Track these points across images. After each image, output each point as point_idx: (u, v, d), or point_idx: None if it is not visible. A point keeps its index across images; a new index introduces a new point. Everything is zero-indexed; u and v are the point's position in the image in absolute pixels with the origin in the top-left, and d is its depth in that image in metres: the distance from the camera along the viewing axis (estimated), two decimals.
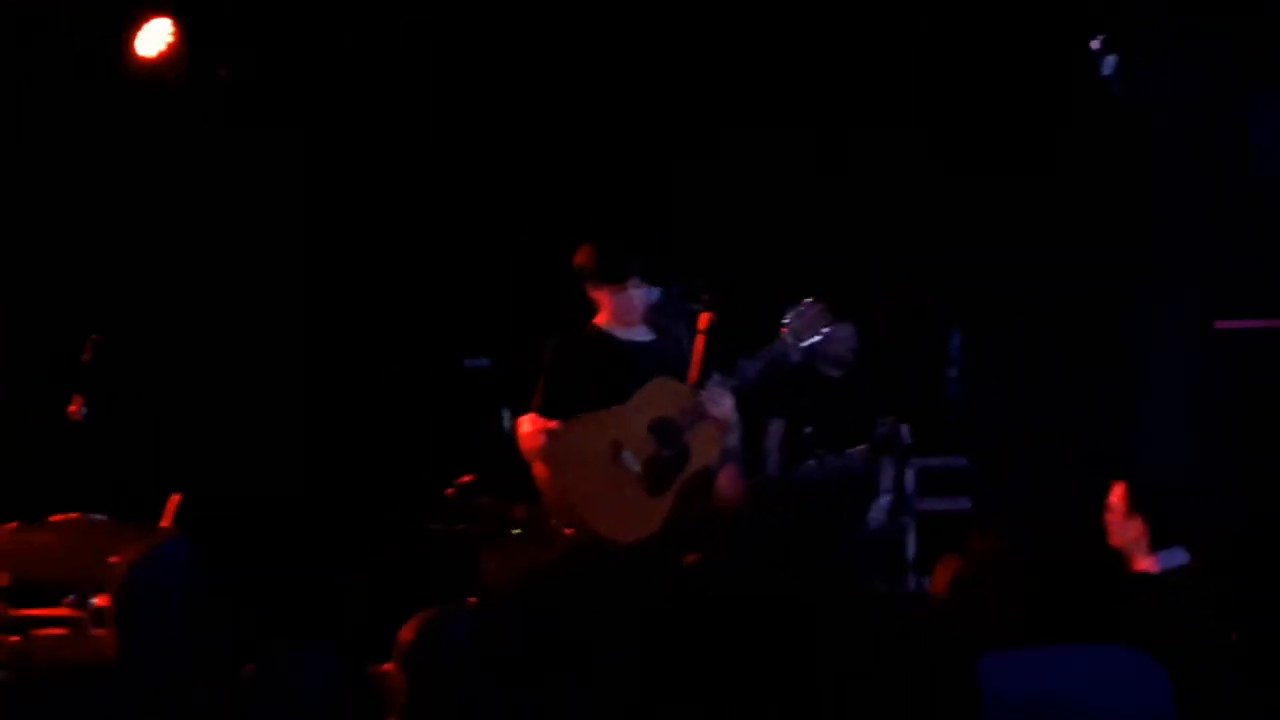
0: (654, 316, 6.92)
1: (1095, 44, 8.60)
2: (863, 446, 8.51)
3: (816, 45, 9.34)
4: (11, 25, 8.11)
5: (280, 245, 9.19)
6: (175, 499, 6.62)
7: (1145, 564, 6.05)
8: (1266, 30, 9.00)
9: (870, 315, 8.65)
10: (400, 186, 9.39)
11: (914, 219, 9.41)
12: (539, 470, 6.68)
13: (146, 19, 8.48)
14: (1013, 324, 9.56)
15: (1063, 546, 6.41)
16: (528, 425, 6.69)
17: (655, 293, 6.91)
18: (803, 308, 6.83)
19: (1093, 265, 9.23)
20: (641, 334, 6.92)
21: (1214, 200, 9.19)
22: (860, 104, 9.39)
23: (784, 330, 6.81)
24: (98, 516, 6.43)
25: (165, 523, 6.58)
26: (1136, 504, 6.08)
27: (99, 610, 6.25)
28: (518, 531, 7.24)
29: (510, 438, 6.83)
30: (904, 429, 8.73)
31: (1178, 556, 6.03)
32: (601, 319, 6.92)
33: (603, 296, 6.89)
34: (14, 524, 6.34)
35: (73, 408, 6.71)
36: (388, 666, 4.18)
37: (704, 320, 6.86)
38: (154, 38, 8.53)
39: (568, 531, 6.65)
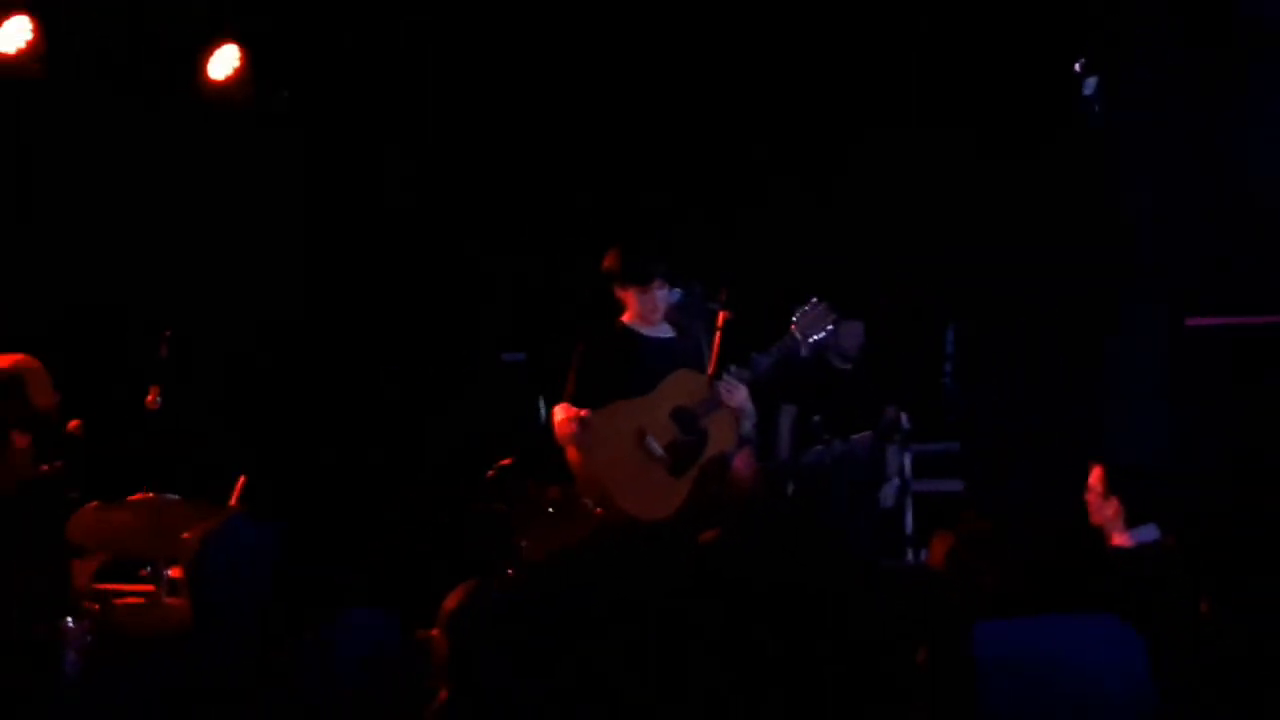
0: (675, 315, 6.92)
1: (1077, 66, 8.54)
2: (867, 433, 8.51)
3: (825, 58, 9.32)
4: (97, 50, 8.12)
5: (341, 251, 9.21)
6: (242, 480, 6.62)
7: (1121, 539, 6.04)
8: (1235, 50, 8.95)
9: (874, 312, 8.64)
10: (455, 204, 9.40)
11: (912, 223, 9.39)
12: (571, 454, 6.68)
13: (217, 46, 8.49)
14: (1003, 320, 9.54)
15: (1047, 523, 6.39)
16: (560, 413, 6.69)
17: (676, 293, 6.91)
18: (809, 307, 6.83)
19: (1073, 266, 9.20)
20: (664, 331, 6.91)
21: (1182, 207, 9.15)
22: (864, 112, 9.37)
23: (793, 327, 6.81)
24: (171, 496, 6.43)
25: (233, 501, 6.58)
26: (1113, 485, 6.07)
27: (173, 581, 6.26)
28: (552, 510, 7.23)
29: (545, 425, 6.83)
30: (904, 417, 8.72)
31: (1150, 532, 6.02)
32: (627, 317, 6.91)
33: (628, 296, 6.88)
34: (95, 503, 6.33)
35: (149, 398, 6.71)
36: (433, 632, 4.17)
37: (721, 318, 6.86)
38: (223, 63, 8.53)
39: (597, 510, 6.66)
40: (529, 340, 8.53)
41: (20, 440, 6.35)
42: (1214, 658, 5.22)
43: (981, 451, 9.26)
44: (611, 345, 6.83)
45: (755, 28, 9.33)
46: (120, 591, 6.54)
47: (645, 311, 6.87)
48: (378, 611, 4.39)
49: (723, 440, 6.72)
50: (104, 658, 5.36)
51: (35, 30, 7.71)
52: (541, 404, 7.19)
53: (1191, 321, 8.86)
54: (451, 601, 4.16)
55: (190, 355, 6.98)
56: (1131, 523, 6.02)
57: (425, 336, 9.26)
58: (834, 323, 6.91)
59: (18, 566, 6.19)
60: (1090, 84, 8.50)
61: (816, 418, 8.49)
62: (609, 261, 6.90)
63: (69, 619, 5.78)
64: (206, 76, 8.49)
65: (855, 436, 8.47)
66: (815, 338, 6.84)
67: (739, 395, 6.70)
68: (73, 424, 6.44)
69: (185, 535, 5.70)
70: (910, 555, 8.77)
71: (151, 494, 6.39)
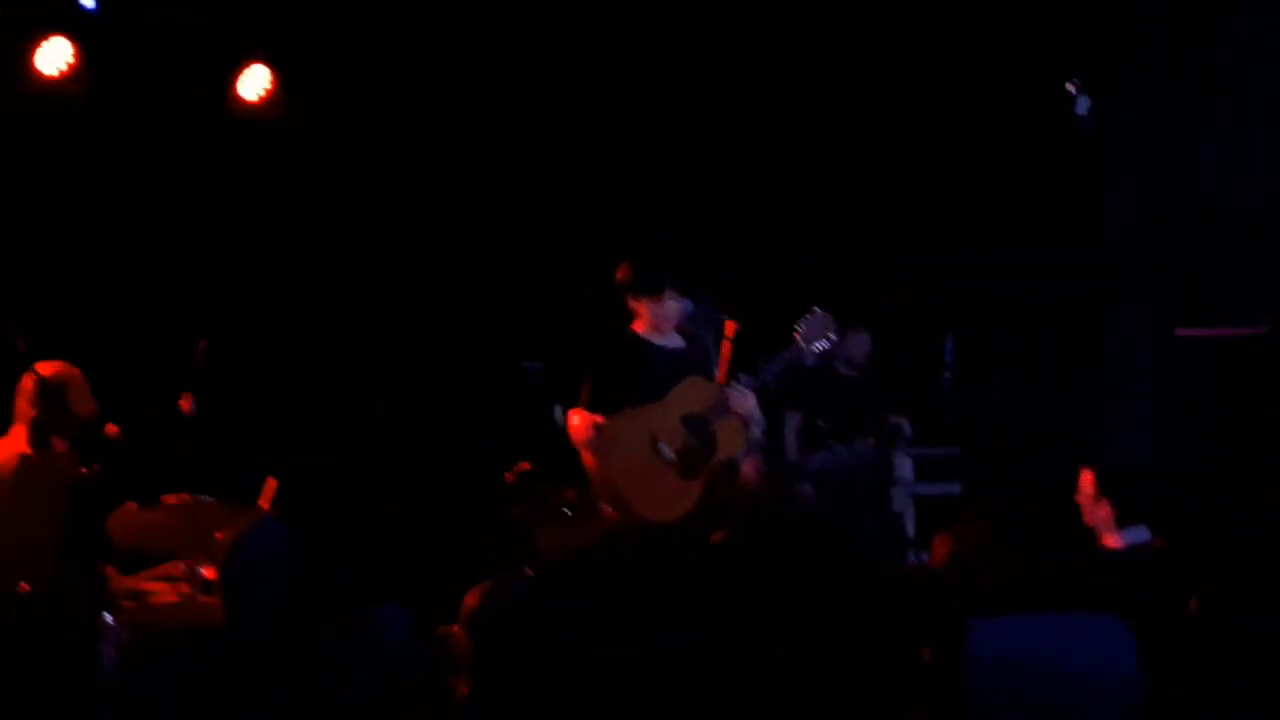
0: (685, 324, 6.94)
1: (1070, 86, 8.52)
2: (871, 438, 8.52)
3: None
4: (134, 71, 8.15)
5: (368, 261, 9.23)
6: (272, 483, 6.64)
7: (1112, 540, 6.04)
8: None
9: (878, 321, 8.66)
10: (475, 215, 9.43)
11: (913, 231, 9.41)
12: (587, 458, 6.70)
13: (247, 66, 8.51)
14: (999, 330, 9.55)
15: (1042, 525, 6.41)
16: (576, 419, 6.71)
17: (687, 303, 6.93)
18: (812, 317, 6.84)
19: (1067, 271, 9.21)
20: (674, 340, 6.93)
21: (1170, 224, 9.14)
22: (865, 121, 9.39)
23: (796, 337, 6.82)
24: (204, 498, 6.46)
25: (263, 503, 6.60)
26: (1103, 488, 6.07)
27: (206, 580, 6.28)
28: (568, 512, 7.24)
29: (561, 430, 6.85)
30: (906, 423, 8.73)
31: (1141, 534, 6.02)
32: (639, 327, 6.92)
33: (641, 307, 6.89)
34: (132, 505, 6.36)
35: (184, 404, 6.73)
36: (453, 629, 4.20)
37: (730, 328, 6.89)
38: (254, 83, 8.55)
39: (611, 512, 6.67)
40: (546, 350, 8.54)
41: (61, 445, 6.40)
42: (1203, 655, 5.24)
43: (979, 455, 9.27)
44: (624, 354, 6.85)
45: (759, 39, 9.34)
46: (155, 589, 6.58)
47: (657, 321, 6.88)
48: (400, 609, 4.41)
49: (732, 446, 6.74)
50: (140, 653, 5.39)
51: (75, 53, 7.73)
52: (558, 411, 7.21)
53: (1181, 331, 8.85)
54: (471, 600, 4.19)
55: (223, 363, 7.00)
56: (1122, 524, 6.03)
57: (448, 346, 9.28)
58: (837, 332, 6.92)
59: (57, 565, 6.22)
60: (1083, 103, 8.49)
61: (822, 423, 8.49)
62: (622, 273, 6.92)
63: (107, 615, 5.82)
64: (238, 96, 8.51)
65: (860, 442, 8.48)
66: (818, 346, 6.84)
67: (747, 402, 6.72)
68: (110, 429, 6.48)
69: (218, 535, 5.75)
70: (912, 557, 8.77)
71: (186, 496, 6.42)
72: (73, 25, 7.73)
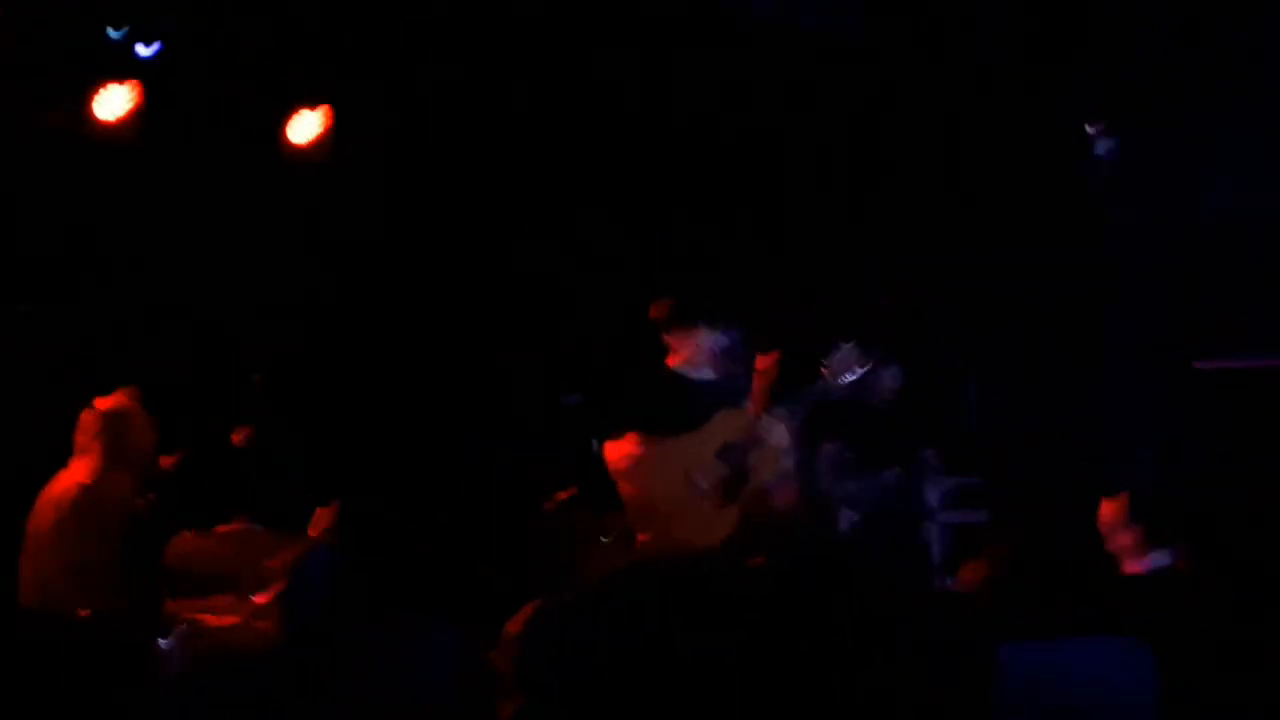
0: (719, 358, 6.97)
1: (1092, 129, 8.49)
2: (899, 468, 8.52)
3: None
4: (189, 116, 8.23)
5: (414, 295, 9.28)
6: (323, 512, 6.69)
7: (1135, 565, 6.04)
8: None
9: (906, 355, 8.67)
10: (523, 262, 9.47)
11: (937, 270, 9.42)
12: (624, 487, 6.74)
13: (300, 110, 8.56)
14: (1017, 368, 9.54)
15: (1065, 552, 6.41)
16: (614, 449, 6.75)
17: (721, 338, 6.97)
18: (840, 351, 6.87)
19: (1085, 296, 9.19)
20: (708, 373, 6.96)
21: (1179, 254, 9.06)
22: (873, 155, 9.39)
23: (824, 371, 6.86)
24: (257, 527, 6.50)
25: (314, 532, 6.65)
26: (1131, 516, 6.07)
27: (259, 607, 6.32)
28: (607, 539, 7.28)
29: (599, 460, 6.89)
30: (935, 454, 8.73)
31: (1165, 558, 6.01)
32: (674, 360, 6.96)
33: (676, 341, 6.94)
34: (188, 533, 6.41)
35: (239, 435, 6.79)
36: (498, 652, 4.22)
37: (762, 362, 6.92)
38: (305, 127, 8.60)
39: (643, 537, 6.70)
40: (585, 383, 8.58)
41: (120, 476, 6.45)
42: (1226, 679, 5.23)
43: (1003, 484, 9.26)
44: (660, 387, 6.89)
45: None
46: (209, 616, 6.62)
47: (692, 355, 6.92)
48: (447, 634, 4.44)
49: (765, 475, 6.77)
50: (195, 677, 5.42)
51: (133, 98, 7.80)
52: (596, 442, 7.25)
53: (1199, 364, 8.81)
54: (515, 624, 4.21)
55: (276, 396, 7.06)
56: (1145, 549, 6.02)
57: (492, 378, 9.33)
58: (866, 365, 6.95)
59: (116, 592, 6.28)
60: (1104, 145, 8.44)
61: (852, 453, 8.50)
62: (657, 309, 6.96)
63: (163, 640, 5.87)
64: (288, 139, 8.57)
65: (889, 471, 8.48)
66: (847, 379, 6.87)
67: (780, 433, 6.75)
68: (168, 460, 6.54)
69: (270, 563, 5.79)
70: (940, 583, 8.76)
71: (239, 525, 6.47)
72: (130, 72, 7.79)
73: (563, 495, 7.53)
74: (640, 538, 6.77)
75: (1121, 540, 6.06)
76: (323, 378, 8.91)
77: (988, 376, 9.42)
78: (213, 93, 8.14)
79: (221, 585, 6.64)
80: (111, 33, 7.49)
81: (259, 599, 6.30)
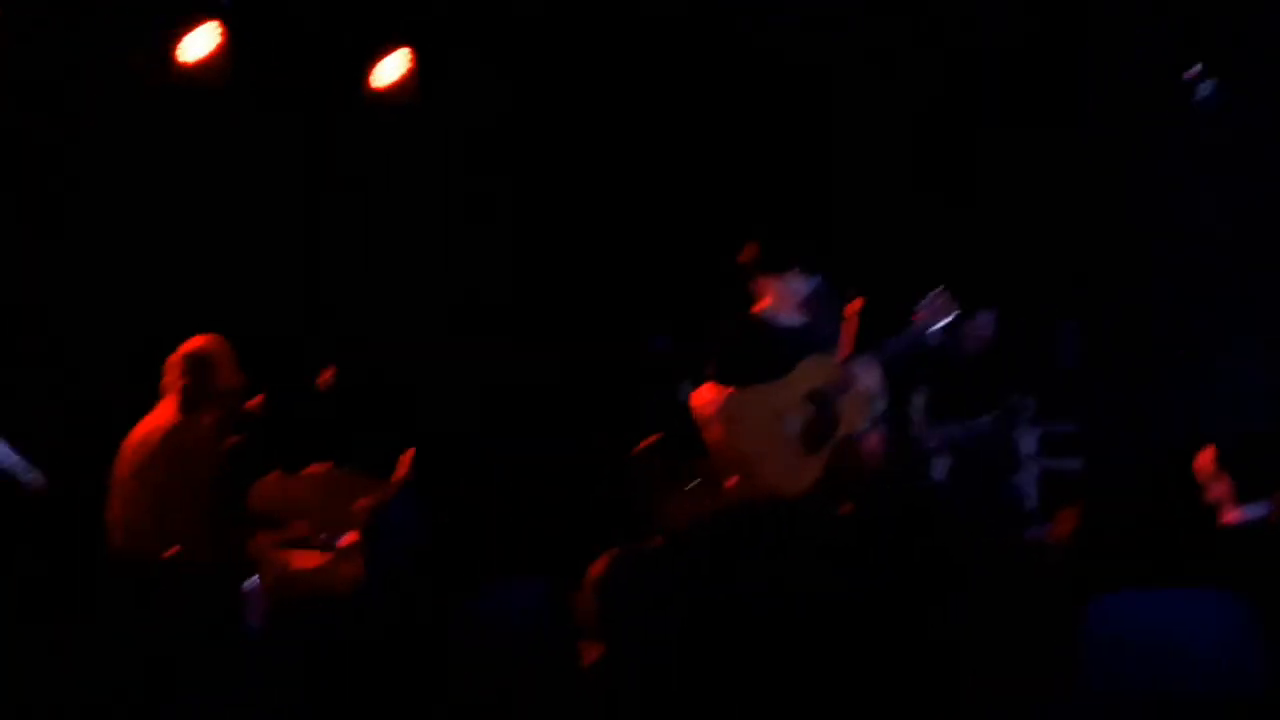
0: (809, 303, 6.92)
1: (1192, 72, 8.34)
2: (993, 415, 8.43)
3: None
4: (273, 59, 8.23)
5: (498, 240, 9.28)
6: (409, 454, 6.70)
7: (1233, 516, 5.94)
8: None
9: (1001, 302, 8.57)
10: (607, 196, 9.45)
11: (1034, 214, 9.30)
12: (712, 433, 6.70)
13: (387, 53, 8.54)
14: (1115, 313, 9.41)
15: (1163, 499, 6.31)
16: (703, 395, 6.72)
17: (811, 282, 6.91)
18: (933, 296, 6.81)
19: (1185, 251, 9.05)
20: (798, 318, 6.91)
21: None
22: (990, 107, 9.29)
23: (916, 316, 6.79)
24: (344, 469, 6.53)
25: (400, 474, 6.66)
26: (1221, 464, 5.97)
27: (345, 548, 6.36)
28: (693, 485, 7.26)
29: (687, 406, 6.86)
30: (1029, 400, 8.64)
31: (1260, 509, 5.91)
32: (763, 305, 6.91)
33: (766, 286, 6.88)
34: (275, 475, 6.45)
35: (324, 378, 6.80)
36: (581, 596, 4.21)
37: (853, 307, 6.86)
38: (392, 68, 8.58)
39: (734, 485, 6.68)
40: (674, 327, 8.54)
41: (207, 416, 6.49)
42: None
43: (1099, 431, 9.15)
44: (749, 332, 6.85)
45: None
46: (296, 557, 6.67)
47: (781, 300, 6.87)
48: (531, 578, 4.43)
49: (854, 421, 6.72)
50: (281, 618, 5.46)
51: (219, 38, 7.80)
52: (685, 386, 7.22)
53: None
54: (598, 568, 4.20)
55: (363, 339, 7.07)
56: (1241, 499, 5.92)
57: (579, 323, 9.31)
58: (959, 311, 6.89)
59: (203, 532, 6.32)
60: (1206, 87, 8.31)
61: (945, 400, 8.43)
62: (747, 253, 6.91)
63: (250, 581, 5.91)
64: (373, 83, 8.55)
65: (983, 418, 8.40)
66: (938, 325, 6.81)
67: (869, 378, 6.70)
68: (254, 401, 6.56)
69: (356, 505, 5.81)
70: (1034, 532, 8.69)
71: (326, 466, 6.50)
72: (214, 14, 7.79)
73: (649, 440, 7.50)
74: (726, 484, 6.74)
75: (1218, 489, 5.97)
76: (411, 318, 8.93)
77: (1085, 321, 9.29)
78: (298, 34, 8.15)
79: (307, 528, 6.69)
80: None
81: (344, 541, 6.34)
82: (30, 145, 7.52)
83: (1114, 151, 9.09)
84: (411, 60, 8.50)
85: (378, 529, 4.58)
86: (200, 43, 7.72)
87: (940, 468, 8.39)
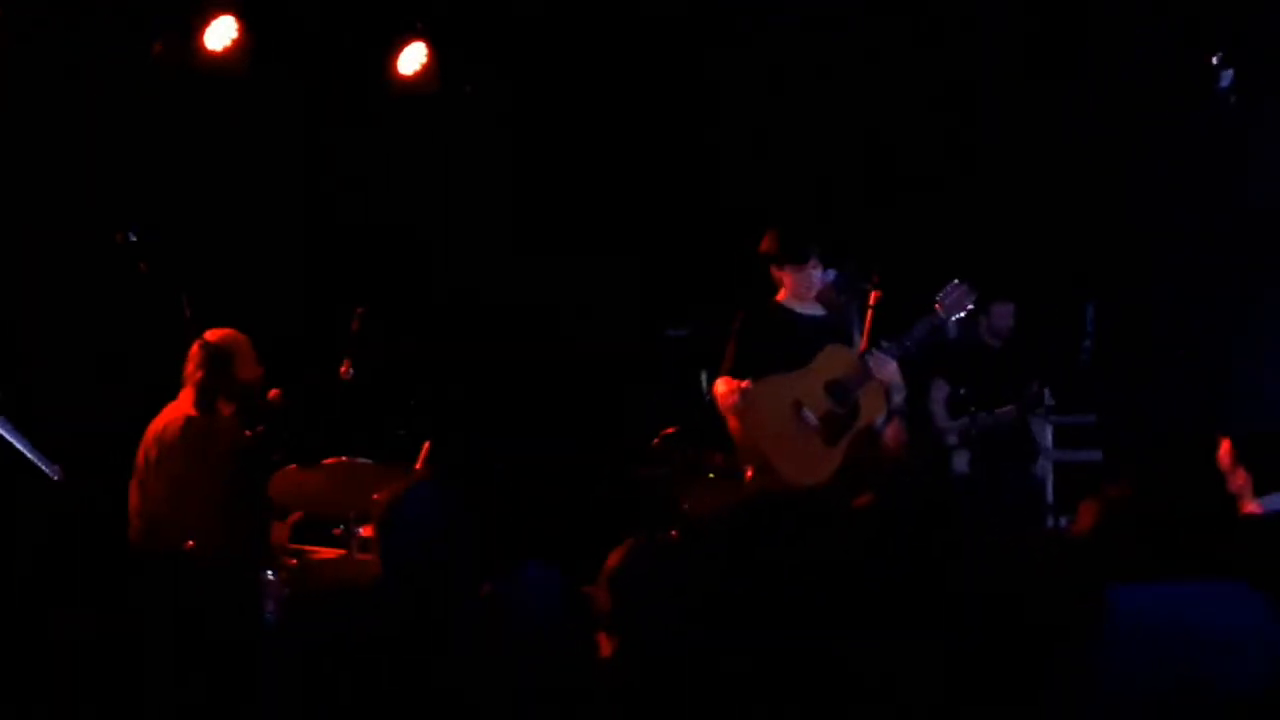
0: (828, 293, 6.92)
1: (1214, 59, 8.32)
2: (1011, 406, 8.43)
3: None
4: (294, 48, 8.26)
5: (518, 230, 9.28)
6: (427, 445, 6.70)
7: (1252, 507, 5.93)
8: None
9: (1020, 291, 8.56)
10: (621, 183, 9.44)
11: (1055, 203, 9.29)
12: (732, 423, 6.70)
13: (406, 43, 8.56)
14: (1140, 296, 9.40)
15: (1183, 491, 6.30)
16: (722, 385, 6.72)
17: (831, 273, 6.91)
18: (952, 287, 6.80)
19: (1207, 246, 9.03)
20: (817, 308, 6.91)
21: None
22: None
23: (936, 307, 6.79)
24: (362, 460, 6.53)
25: (419, 465, 6.67)
26: (1240, 456, 5.95)
27: (363, 539, 6.37)
28: (712, 475, 7.26)
29: (707, 396, 6.86)
30: (1047, 391, 8.63)
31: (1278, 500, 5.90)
32: (782, 295, 6.91)
33: (785, 276, 6.88)
34: (294, 466, 6.45)
35: (343, 369, 6.81)
36: (597, 587, 4.21)
37: (873, 297, 6.87)
38: (412, 59, 8.59)
39: (753, 476, 6.68)
40: (692, 317, 8.54)
41: (226, 408, 6.50)
42: None
43: (1119, 422, 9.14)
44: (769, 322, 6.84)
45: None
46: (315, 548, 6.68)
47: (800, 290, 6.87)
48: (547, 569, 4.43)
49: (873, 411, 6.72)
50: (300, 608, 5.47)
51: (240, 29, 7.82)
52: (704, 377, 7.22)
53: None
54: (615, 558, 4.19)
55: (380, 330, 7.07)
56: (1260, 491, 5.91)
57: (597, 313, 9.31)
58: (978, 302, 6.89)
59: (222, 524, 6.34)
60: (1227, 76, 8.29)
61: (964, 391, 8.43)
62: (767, 242, 6.91)
63: (269, 572, 5.93)
64: (395, 71, 8.56)
65: (1001, 409, 8.40)
66: (957, 316, 6.81)
67: (888, 369, 6.69)
68: (273, 393, 6.57)
69: (375, 496, 5.81)
70: (1053, 523, 8.69)
71: (344, 458, 6.51)
72: (237, 4, 7.82)
73: (668, 431, 7.51)
74: (746, 474, 6.74)
75: (1238, 481, 5.96)
76: (428, 309, 8.94)
77: (1105, 312, 9.27)
78: (318, 23, 8.17)
79: (327, 518, 6.70)
80: None
81: (363, 532, 6.35)
82: (45, 136, 7.56)
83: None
84: (428, 54, 8.51)
85: (393, 521, 4.58)
86: (219, 34, 7.75)
87: (959, 459, 8.40)
